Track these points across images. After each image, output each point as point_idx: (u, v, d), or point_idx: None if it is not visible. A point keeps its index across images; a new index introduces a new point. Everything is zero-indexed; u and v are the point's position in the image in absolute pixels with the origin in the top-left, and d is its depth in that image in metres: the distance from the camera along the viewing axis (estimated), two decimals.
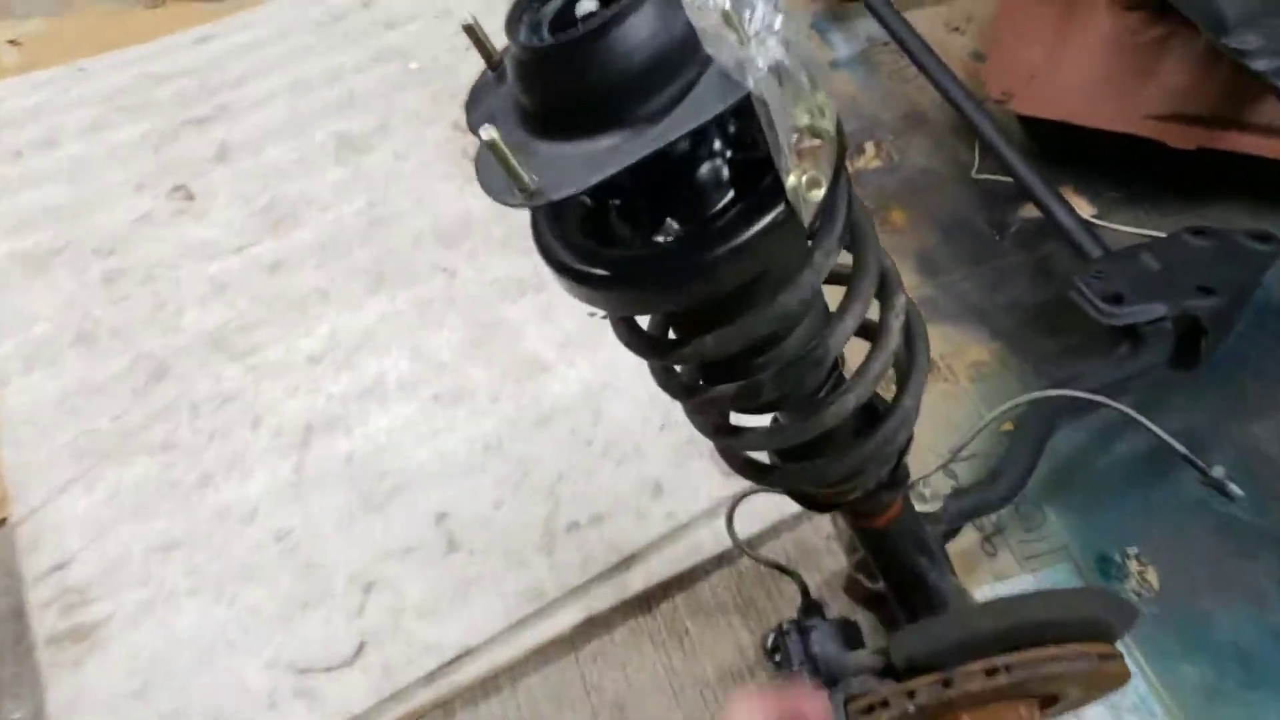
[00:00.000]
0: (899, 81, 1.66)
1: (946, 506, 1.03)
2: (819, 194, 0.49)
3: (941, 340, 1.33)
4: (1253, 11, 1.21)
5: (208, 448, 1.25)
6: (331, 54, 1.75)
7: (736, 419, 0.65)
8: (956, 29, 1.72)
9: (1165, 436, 0.89)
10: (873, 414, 0.68)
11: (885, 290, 0.61)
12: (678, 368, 0.63)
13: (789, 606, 1.09)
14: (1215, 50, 1.30)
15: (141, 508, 1.19)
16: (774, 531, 1.17)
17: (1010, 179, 1.40)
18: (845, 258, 0.58)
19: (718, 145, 0.53)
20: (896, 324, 0.60)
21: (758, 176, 0.50)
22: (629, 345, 0.59)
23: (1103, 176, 1.47)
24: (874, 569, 0.92)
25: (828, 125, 0.49)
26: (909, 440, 0.71)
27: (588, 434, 1.21)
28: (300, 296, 1.39)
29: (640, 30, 0.44)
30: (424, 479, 1.20)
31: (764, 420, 0.65)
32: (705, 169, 0.53)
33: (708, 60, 0.45)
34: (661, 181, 0.53)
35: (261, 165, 1.57)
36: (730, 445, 0.66)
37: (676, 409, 0.66)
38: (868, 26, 1.68)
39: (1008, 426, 1.23)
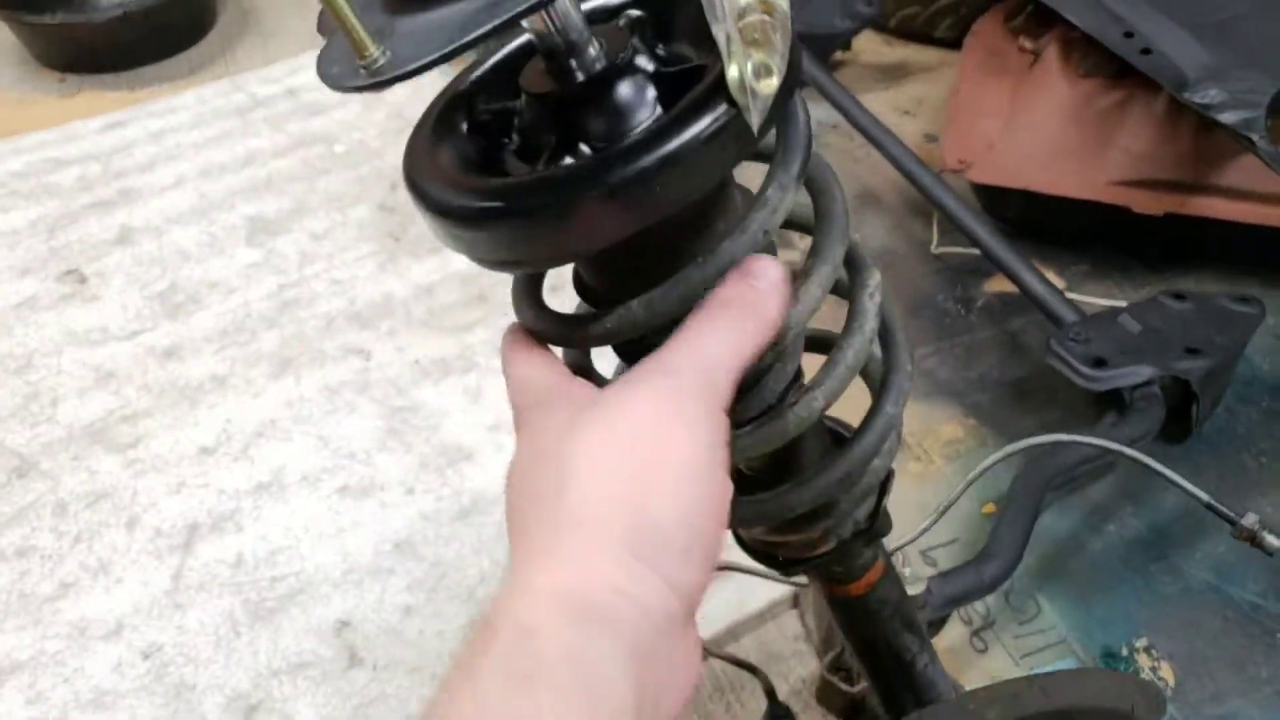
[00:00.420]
0: (850, 162, 1.59)
1: (930, 589, 0.89)
2: (771, 85, 0.37)
3: (912, 418, 1.21)
4: (1211, 67, 1.17)
5: (71, 553, 1.07)
6: (250, 138, 1.64)
7: None
8: (907, 112, 1.68)
9: (1187, 485, 0.76)
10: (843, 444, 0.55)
11: (855, 265, 0.49)
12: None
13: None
14: (1176, 114, 1.25)
15: None
16: (732, 635, 1.01)
17: (973, 251, 1.31)
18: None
19: (642, 61, 0.42)
20: (872, 305, 0.47)
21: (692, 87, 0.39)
22: (535, 329, 0.45)
23: (1068, 249, 1.39)
24: (851, 655, 0.77)
25: (781, 1, 0.37)
26: (890, 476, 0.58)
27: None
28: (195, 384, 1.24)
29: None
30: (323, 583, 1.03)
31: None
32: (626, 87, 0.41)
33: None
34: (569, 107, 0.41)
35: (164, 248, 1.44)
36: None
37: None
38: (815, 111, 1.62)
39: (990, 509, 1.11)
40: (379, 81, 0.34)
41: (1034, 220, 1.38)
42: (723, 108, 0.37)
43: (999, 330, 1.32)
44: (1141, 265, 1.37)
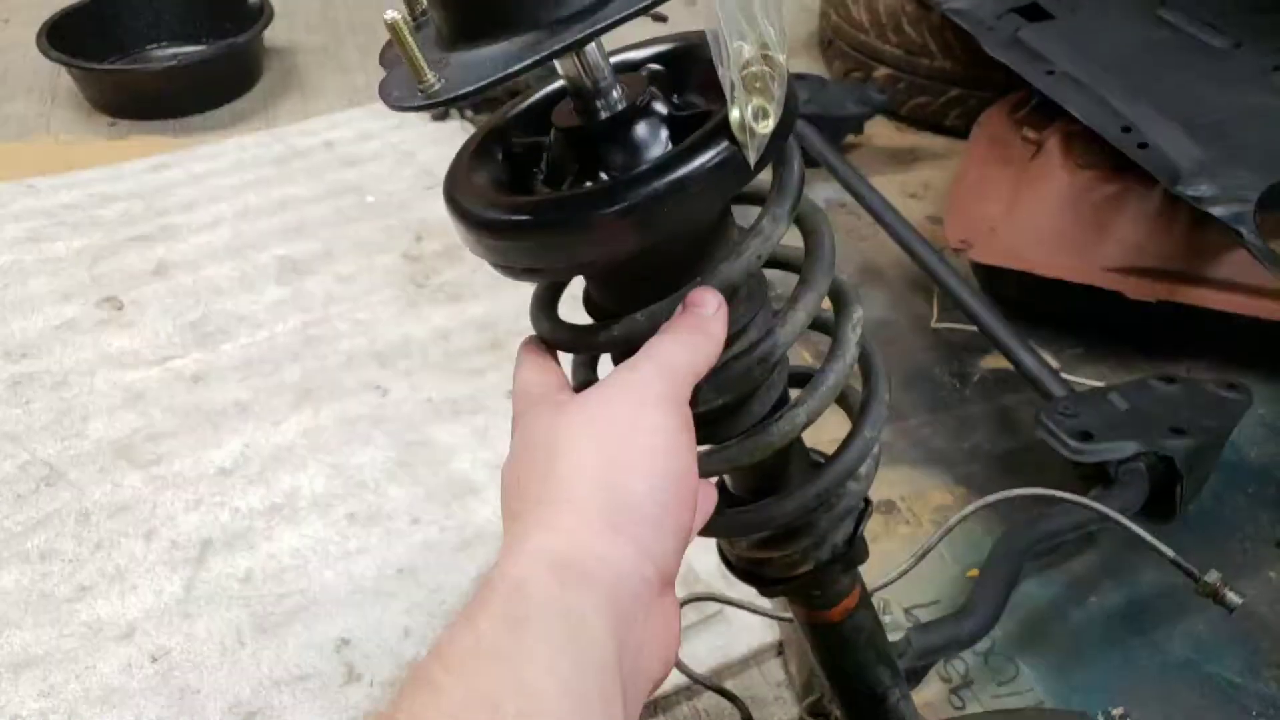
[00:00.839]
0: (856, 240, 1.66)
1: (910, 639, 0.92)
2: (767, 127, 0.43)
3: (903, 483, 1.25)
4: (1204, 163, 1.24)
5: (91, 558, 1.11)
6: (286, 185, 1.72)
7: None
8: (914, 195, 1.75)
9: (1150, 539, 0.80)
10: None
11: (840, 301, 0.54)
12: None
13: None
14: (1171, 207, 1.31)
15: (1, 618, 1.05)
16: (716, 678, 1.04)
17: (971, 328, 1.37)
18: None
19: (658, 106, 0.48)
20: (853, 335, 0.53)
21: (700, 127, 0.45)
22: (550, 338, 0.51)
23: (1063, 332, 1.44)
24: (830, 699, 0.80)
25: (779, 56, 0.43)
26: (868, 505, 0.62)
27: None
28: (218, 409, 1.30)
29: None
30: (327, 602, 1.07)
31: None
32: (643, 125, 0.47)
33: None
34: (593, 141, 0.47)
35: (198, 282, 1.51)
36: None
37: None
38: (826, 190, 1.69)
39: (973, 574, 1.15)
40: (434, 102, 0.40)
41: (1030, 301, 1.43)
42: (724, 144, 0.42)
43: (992, 405, 1.37)
44: (1134, 350, 1.41)
